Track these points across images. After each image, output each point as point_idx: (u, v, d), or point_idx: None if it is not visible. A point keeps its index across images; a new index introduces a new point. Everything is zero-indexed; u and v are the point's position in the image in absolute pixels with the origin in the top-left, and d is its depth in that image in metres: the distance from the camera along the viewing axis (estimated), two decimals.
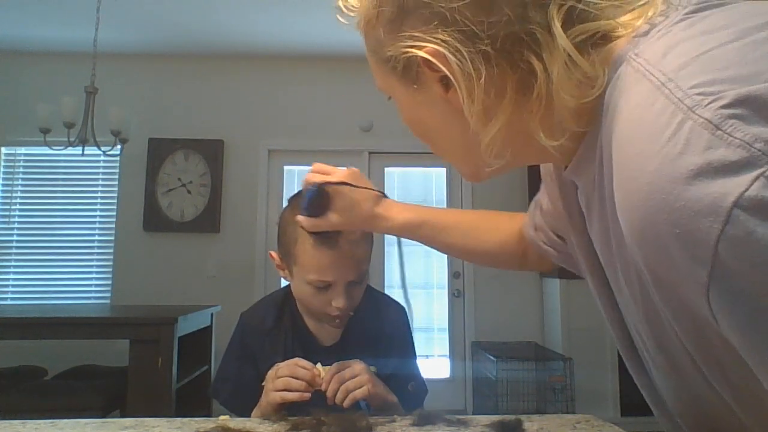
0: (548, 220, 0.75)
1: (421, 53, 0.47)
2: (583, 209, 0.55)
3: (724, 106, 0.32)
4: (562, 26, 0.43)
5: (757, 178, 0.30)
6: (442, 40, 0.45)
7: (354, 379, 0.87)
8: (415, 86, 0.52)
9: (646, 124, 0.36)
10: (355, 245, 0.91)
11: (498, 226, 0.88)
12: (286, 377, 0.86)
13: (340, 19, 0.55)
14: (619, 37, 0.45)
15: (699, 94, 0.34)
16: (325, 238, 0.88)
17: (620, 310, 0.55)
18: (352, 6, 0.53)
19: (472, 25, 0.45)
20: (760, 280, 0.31)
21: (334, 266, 0.90)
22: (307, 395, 0.85)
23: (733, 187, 0.31)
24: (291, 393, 0.85)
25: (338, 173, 0.84)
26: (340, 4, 0.54)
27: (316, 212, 0.83)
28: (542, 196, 0.76)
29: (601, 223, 0.49)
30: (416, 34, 0.47)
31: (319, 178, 0.83)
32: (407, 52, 0.48)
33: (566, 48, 0.43)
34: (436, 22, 0.46)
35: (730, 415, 0.45)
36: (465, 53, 0.45)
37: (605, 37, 0.46)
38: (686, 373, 0.47)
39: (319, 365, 0.89)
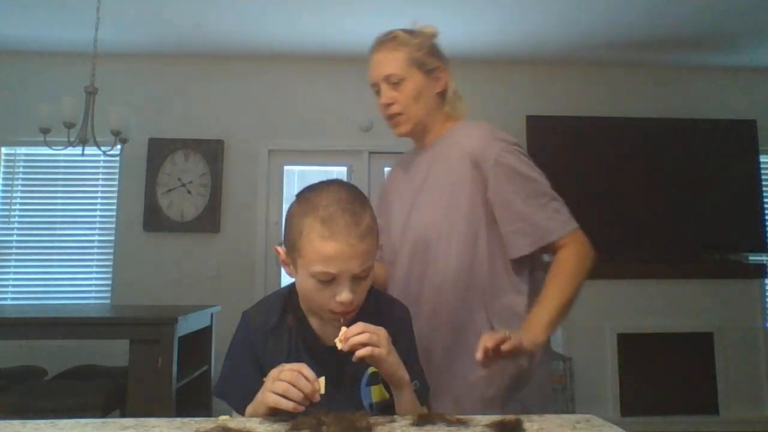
0: None
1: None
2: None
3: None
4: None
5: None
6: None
7: (368, 336, 0.87)
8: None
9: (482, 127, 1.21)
10: (361, 238, 0.90)
11: None
12: (286, 383, 0.83)
13: None
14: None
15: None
16: None
17: None
18: None
19: None
20: None
21: (339, 258, 0.88)
22: (302, 408, 0.82)
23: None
24: (286, 401, 0.82)
25: None
26: None
27: None
28: None
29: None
30: None
31: None
32: None
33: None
34: None
35: None
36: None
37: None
38: None
39: (321, 379, 0.86)
